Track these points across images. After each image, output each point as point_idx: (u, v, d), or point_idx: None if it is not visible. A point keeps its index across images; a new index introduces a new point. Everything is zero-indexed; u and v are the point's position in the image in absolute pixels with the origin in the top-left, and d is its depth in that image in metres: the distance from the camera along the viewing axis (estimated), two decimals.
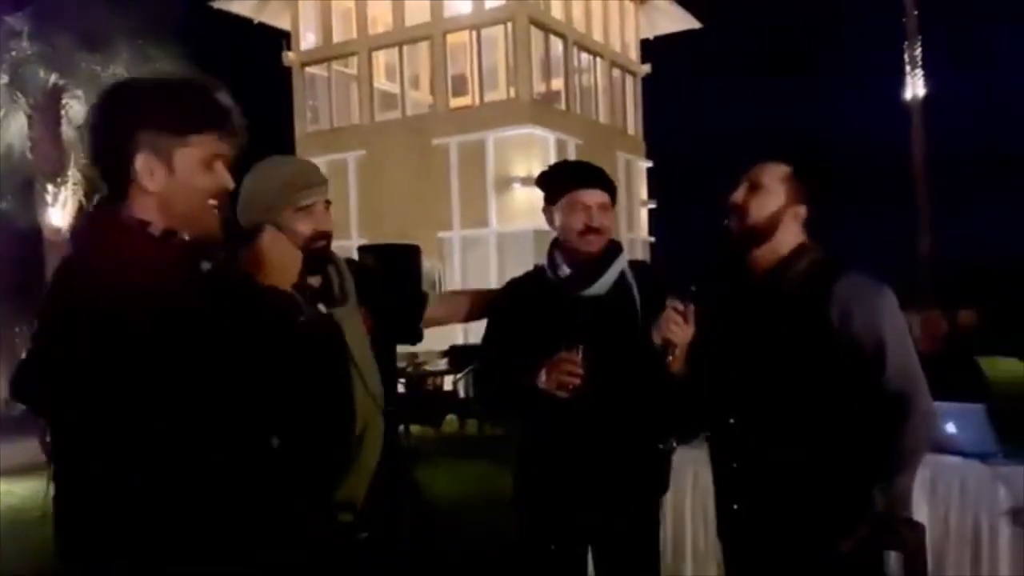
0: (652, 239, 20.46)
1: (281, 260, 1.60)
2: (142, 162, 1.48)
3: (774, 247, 2.11)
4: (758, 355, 2.07)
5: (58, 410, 1.48)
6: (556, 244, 2.46)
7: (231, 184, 1.59)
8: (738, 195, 2.12)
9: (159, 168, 1.49)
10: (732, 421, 2.12)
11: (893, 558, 2.51)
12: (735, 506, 2.13)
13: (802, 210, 2.12)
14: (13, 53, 11.92)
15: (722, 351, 2.14)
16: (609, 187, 2.42)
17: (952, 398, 3.43)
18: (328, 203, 2.14)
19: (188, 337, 1.38)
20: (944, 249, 17.07)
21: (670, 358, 2.15)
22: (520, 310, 2.42)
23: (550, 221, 2.46)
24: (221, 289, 1.52)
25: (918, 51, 18.79)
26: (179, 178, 1.50)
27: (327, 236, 2.12)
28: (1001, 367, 9.58)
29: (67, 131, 12.99)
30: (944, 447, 3.40)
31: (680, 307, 2.13)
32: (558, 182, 2.43)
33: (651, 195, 20.67)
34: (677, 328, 2.13)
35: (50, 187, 12.73)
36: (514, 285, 2.54)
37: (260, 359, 1.47)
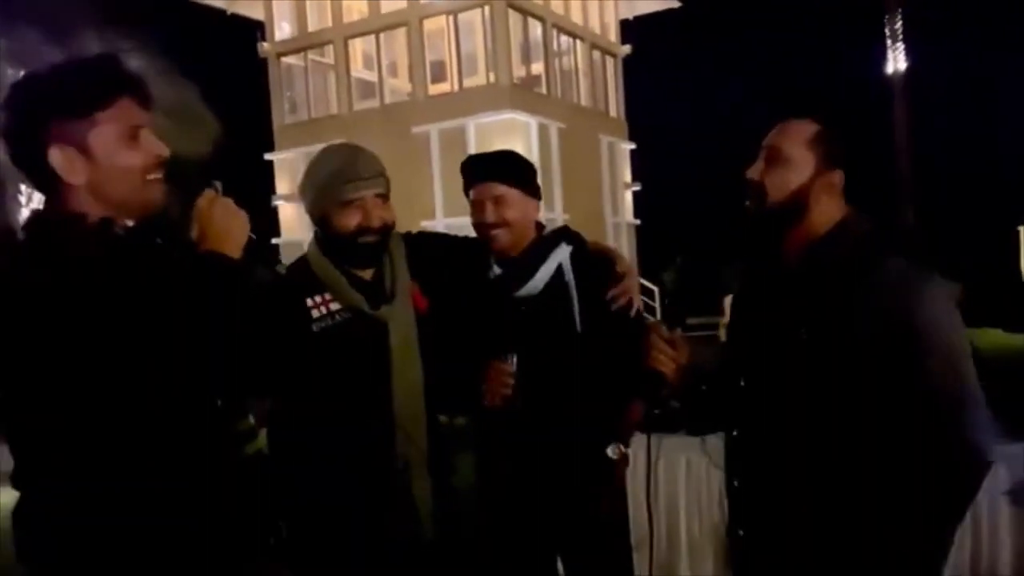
0: (637, 222, 20.39)
1: (221, 224, 1.48)
2: (57, 156, 1.38)
3: (809, 228, 1.71)
4: (779, 361, 1.72)
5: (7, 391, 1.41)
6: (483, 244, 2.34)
7: (164, 150, 1.47)
8: (754, 170, 1.74)
9: (76, 157, 1.39)
10: (735, 434, 1.85)
11: None
12: (740, 532, 1.85)
13: (837, 177, 1.70)
14: None
15: (746, 356, 1.83)
16: (509, 178, 2.26)
17: None
18: (382, 196, 2.06)
19: (114, 316, 1.33)
20: (926, 223, 17.08)
21: (664, 390, 1.89)
22: (460, 309, 2.27)
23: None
24: (155, 268, 1.44)
25: (899, 24, 18.74)
26: (101, 162, 1.40)
27: (377, 231, 2.05)
28: (987, 339, 9.58)
29: None
30: None
31: (666, 334, 1.86)
32: (463, 180, 2.32)
33: (635, 178, 20.58)
34: (664, 357, 1.85)
35: (23, 187, 12.47)
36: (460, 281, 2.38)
37: (191, 329, 1.39)
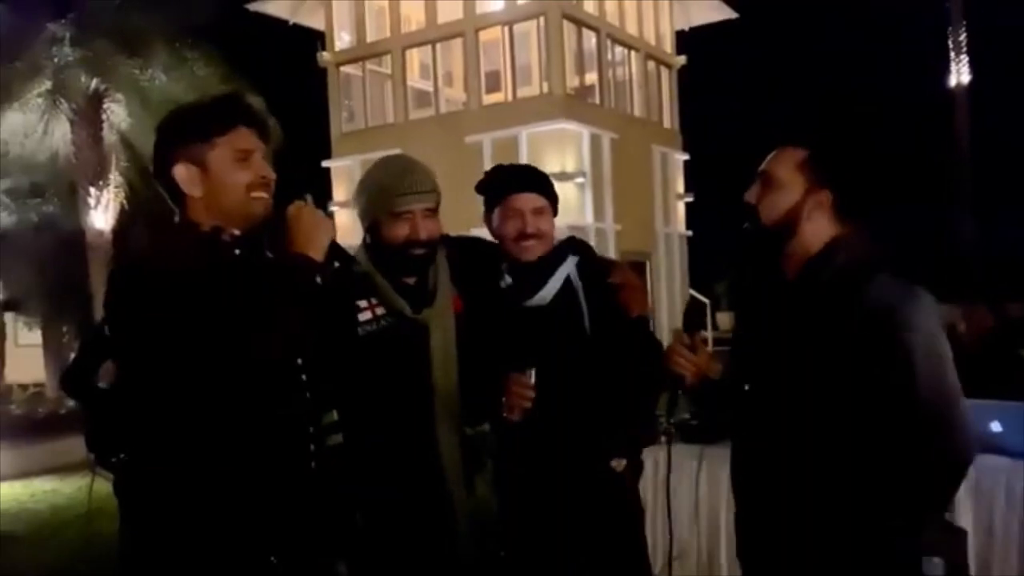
0: (689, 233, 20.25)
1: (307, 229, 1.67)
2: (180, 171, 1.66)
3: (802, 244, 1.85)
4: (779, 370, 1.84)
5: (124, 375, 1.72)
6: (501, 252, 2.38)
7: (270, 172, 1.71)
8: (751, 193, 1.90)
9: (196, 173, 1.66)
10: (744, 438, 1.96)
11: (934, 564, 2.43)
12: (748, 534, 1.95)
13: (825, 196, 1.84)
14: (55, 59, 12.14)
15: (751, 365, 1.95)
16: (547, 191, 2.33)
17: (998, 396, 3.33)
18: (431, 211, 2.15)
19: (208, 311, 1.54)
20: (989, 241, 16.62)
21: (680, 392, 2.03)
22: (477, 317, 2.32)
23: (489, 228, 2.39)
24: (246, 269, 1.67)
25: (963, 37, 18.33)
26: (215, 178, 1.66)
27: (424, 244, 2.14)
28: None
29: (108, 136, 13.21)
30: (990, 447, 3.29)
31: (686, 339, 1.99)
32: (493, 187, 2.37)
33: (688, 188, 20.45)
34: (683, 361, 1.98)
35: (92, 191, 12.95)
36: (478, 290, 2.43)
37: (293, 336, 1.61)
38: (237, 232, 1.71)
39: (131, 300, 1.56)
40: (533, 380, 2.10)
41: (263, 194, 1.71)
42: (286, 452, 1.67)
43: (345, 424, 2.16)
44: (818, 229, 1.85)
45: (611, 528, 2.31)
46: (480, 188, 2.41)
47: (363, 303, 2.15)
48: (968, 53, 18.21)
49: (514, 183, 2.34)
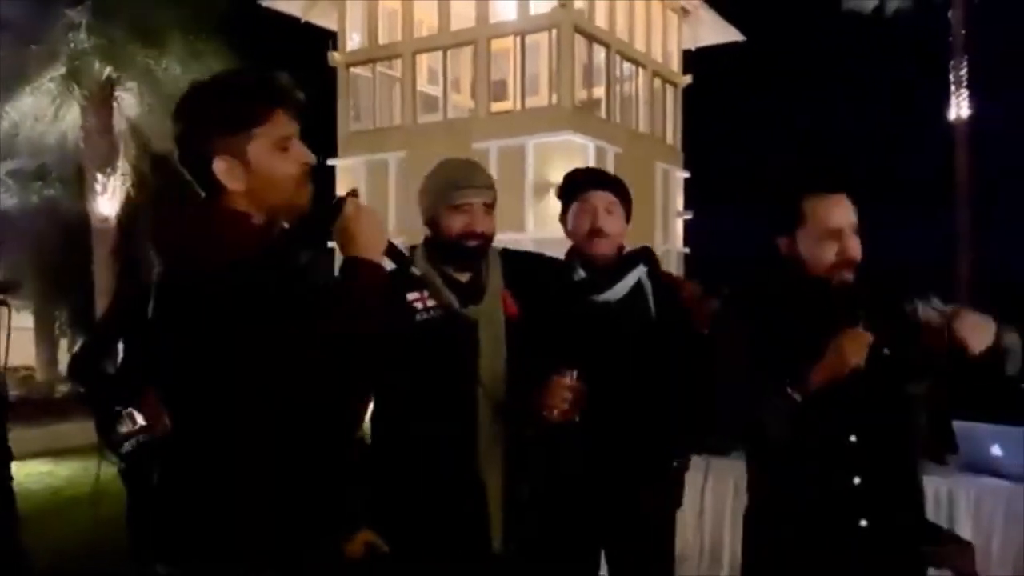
0: (687, 250, 20.39)
1: (365, 230, 1.59)
2: (220, 166, 1.56)
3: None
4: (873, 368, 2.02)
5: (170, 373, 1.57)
6: (572, 250, 2.49)
7: (312, 158, 1.63)
8: (855, 250, 2.07)
9: (236, 167, 1.56)
10: (854, 439, 2.06)
11: None
12: (863, 523, 2.06)
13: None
14: (71, 45, 12.20)
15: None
16: (619, 191, 2.42)
17: (999, 420, 3.42)
18: (489, 206, 2.23)
19: (279, 324, 1.46)
20: (986, 271, 16.78)
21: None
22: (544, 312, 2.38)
23: (565, 228, 2.49)
24: (313, 281, 1.61)
25: (964, 71, 18.54)
26: (259, 172, 1.57)
27: (480, 236, 2.22)
28: None
29: (119, 123, 13.26)
30: (990, 470, 3.39)
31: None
32: (569, 188, 2.48)
33: (687, 206, 20.60)
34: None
35: (100, 177, 13.00)
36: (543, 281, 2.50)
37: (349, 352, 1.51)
38: (286, 225, 1.63)
39: (199, 302, 1.44)
40: (573, 382, 2.16)
41: (306, 183, 1.62)
42: (319, 445, 1.59)
43: (384, 414, 2.23)
44: None
45: (644, 528, 2.38)
46: (559, 191, 2.52)
47: (414, 295, 2.23)
48: (968, 87, 18.43)
49: (588, 182, 2.45)
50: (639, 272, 2.41)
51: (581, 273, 2.40)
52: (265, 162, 1.56)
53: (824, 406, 2.00)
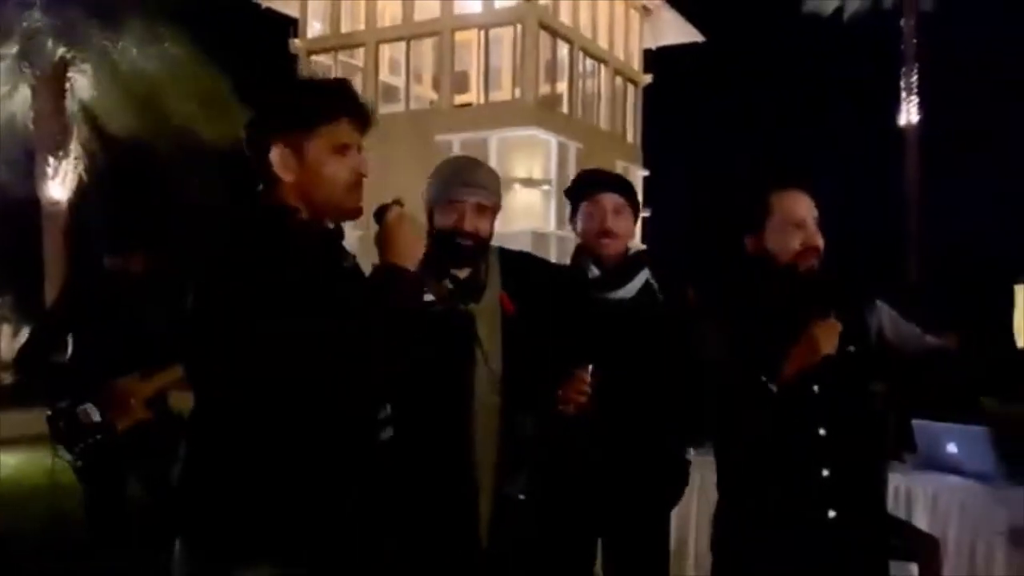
0: (644, 247, 20.61)
1: (403, 238, 1.62)
2: (276, 154, 1.60)
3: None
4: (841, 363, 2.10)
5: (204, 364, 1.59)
6: (580, 250, 2.51)
7: (365, 169, 1.67)
8: (817, 239, 2.14)
9: (291, 158, 1.60)
10: (823, 432, 2.11)
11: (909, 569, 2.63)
12: (832, 513, 2.11)
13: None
14: (24, 24, 11.84)
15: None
16: (627, 192, 2.48)
17: (954, 419, 3.53)
18: (483, 207, 2.23)
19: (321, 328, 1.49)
20: (933, 270, 17.30)
21: None
22: (552, 309, 2.38)
23: (575, 229, 2.52)
24: (356, 284, 1.64)
25: (914, 77, 19.05)
26: (311, 167, 1.61)
27: (468, 235, 2.21)
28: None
29: (71, 105, 12.91)
30: (946, 467, 3.49)
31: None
32: (579, 188, 2.51)
33: (645, 204, 20.82)
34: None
35: (51, 160, 12.65)
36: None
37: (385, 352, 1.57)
38: (331, 225, 1.67)
39: (245, 291, 1.47)
40: (590, 377, 2.18)
41: (357, 189, 1.66)
42: (344, 447, 1.62)
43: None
44: None
45: (644, 522, 2.43)
46: (567, 192, 2.54)
47: None
48: (919, 93, 18.94)
49: (599, 183, 2.48)
50: (647, 272, 2.46)
51: (595, 271, 2.44)
52: (320, 160, 1.61)
53: (795, 400, 2.07)
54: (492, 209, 2.28)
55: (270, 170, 1.61)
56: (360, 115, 1.66)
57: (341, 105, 1.64)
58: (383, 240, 1.62)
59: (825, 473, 2.08)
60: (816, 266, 2.12)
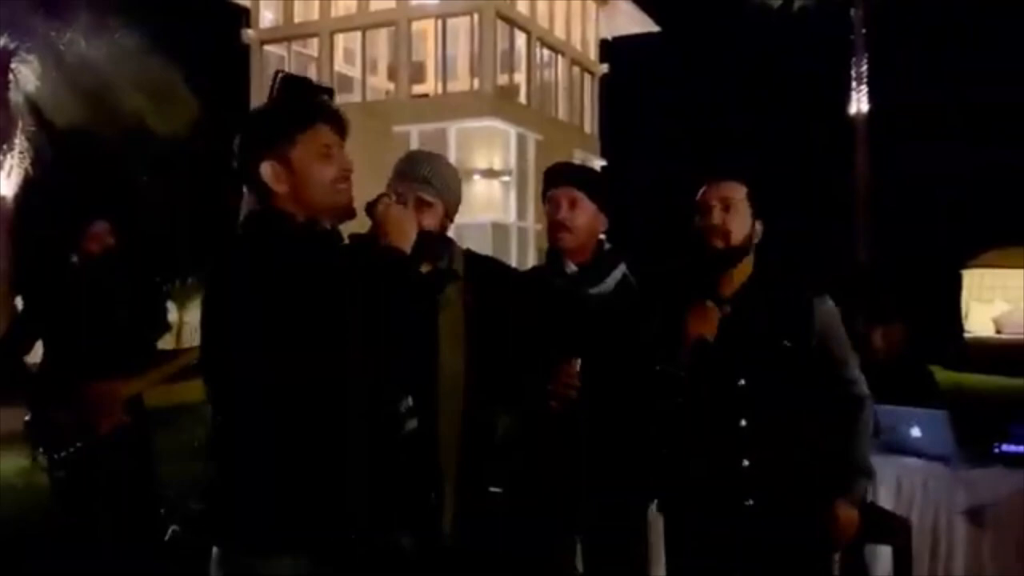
0: (603, 236, 20.73)
1: (395, 222, 1.78)
2: (266, 169, 1.71)
3: (745, 265, 2.25)
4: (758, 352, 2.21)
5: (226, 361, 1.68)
6: (549, 246, 2.50)
7: (350, 166, 1.77)
8: (717, 217, 2.21)
9: (281, 170, 1.72)
10: (743, 423, 2.21)
11: (881, 552, 2.69)
12: (749, 502, 2.19)
13: (760, 227, 2.25)
14: None
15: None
16: (586, 185, 2.44)
17: (917, 403, 3.62)
18: (425, 203, 2.24)
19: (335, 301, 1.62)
20: (883, 262, 17.67)
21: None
22: (524, 306, 2.41)
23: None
24: (355, 261, 1.74)
25: (864, 67, 19.41)
26: (300, 173, 1.72)
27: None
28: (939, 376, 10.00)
29: (16, 96, 12.51)
30: (909, 450, 3.60)
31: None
32: (544, 184, 2.51)
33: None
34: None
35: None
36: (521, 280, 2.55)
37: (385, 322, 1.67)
38: (328, 226, 1.77)
39: (267, 288, 1.58)
40: (578, 370, 2.20)
41: (345, 186, 1.77)
42: (369, 437, 1.73)
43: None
44: (751, 253, 2.26)
45: (623, 521, 2.43)
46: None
47: None
48: (868, 83, 19.32)
49: (549, 177, 2.48)
50: (623, 267, 2.46)
51: (573, 268, 2.43)
52: (307, 166, 1.72)
53: (719, 391, 2.18)
54: (437, 205, 2.25)
55: (264, 185, 1.71)
56: (333, 117, 1.78)
57: (316, 111, 1.76)
58: (378, 229, 1.76)
59: (745, 463, 2.18)
60: (720, 248, 2.19)
